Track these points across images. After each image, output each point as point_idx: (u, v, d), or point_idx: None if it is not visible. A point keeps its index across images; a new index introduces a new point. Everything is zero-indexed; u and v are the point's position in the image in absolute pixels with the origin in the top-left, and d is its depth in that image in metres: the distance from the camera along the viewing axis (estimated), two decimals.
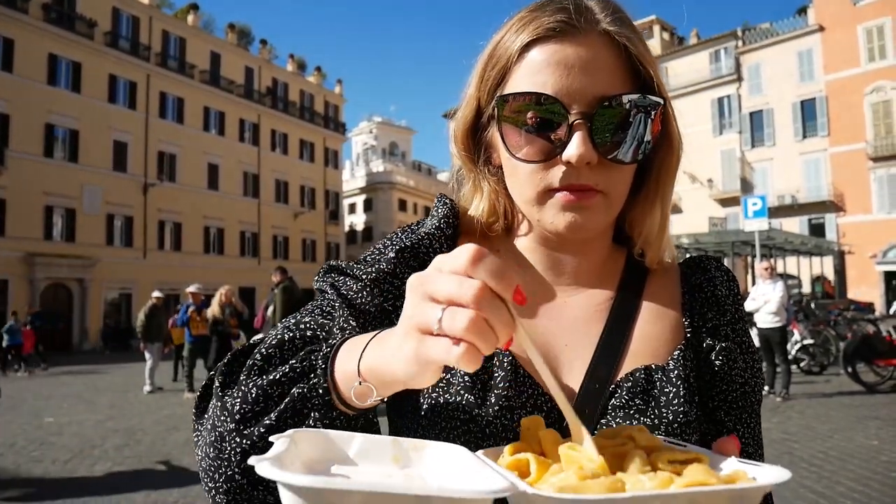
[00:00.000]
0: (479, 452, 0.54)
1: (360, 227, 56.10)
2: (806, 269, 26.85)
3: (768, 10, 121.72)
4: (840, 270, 29.45)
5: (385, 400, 0.65)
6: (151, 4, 33.85)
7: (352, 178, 59.09)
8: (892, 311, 16.87)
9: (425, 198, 57.04)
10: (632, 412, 0.71)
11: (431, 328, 0.48)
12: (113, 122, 31.04)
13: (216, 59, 37.27)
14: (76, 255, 28.81)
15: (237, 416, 0.64)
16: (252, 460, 0.46)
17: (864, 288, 29.92)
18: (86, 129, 29.72)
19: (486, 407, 0.71)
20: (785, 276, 17.94)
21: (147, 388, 12.05)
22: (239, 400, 0.64)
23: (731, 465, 0.52)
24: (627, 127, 0.70)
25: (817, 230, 33.01)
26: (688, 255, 0.89)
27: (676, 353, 0.76)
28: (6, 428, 8.49)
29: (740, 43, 37.21)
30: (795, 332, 11.53)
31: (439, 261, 0.50)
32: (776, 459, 5.78)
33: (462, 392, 0.72)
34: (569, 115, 0.69)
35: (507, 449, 0.54)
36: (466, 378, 0.73)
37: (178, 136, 34.24)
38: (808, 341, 11.75)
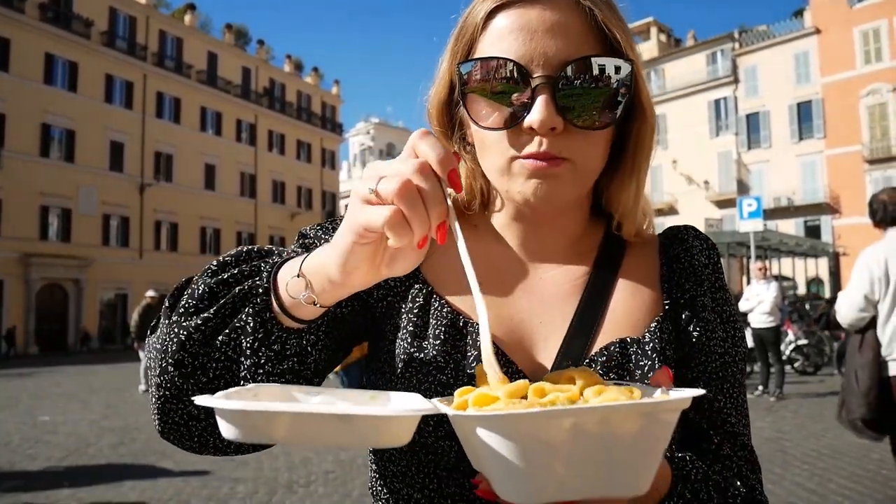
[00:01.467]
0: (435, 399, 0.56)
1: None
2: (801, 270, 26.92)
3: (765, 13, 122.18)
4: (835, 272, 29.51)
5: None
6: (148, 4, 33.83)
7: (349, 179, 59.11)
8: None
9: None
10: None
11: (369, 196, 0.54)
12: (109, 122, 31.01)
13: (213, 59, 37.27)
14: (72, 256, 28.75)
15: (181, 310, 0.67)
16: (196, 398, 0.47)
17: None
18: (82, 129, 29.67)
19: (425, 355, 0.73)
20: (780, 278, 18.00)
21: (142, 387, 12.04)
22: (186, 296, 0.69)
23: (659, 392, 0.53)
24: (594, 91, 0.68)
25: (813, 232, 33.14)
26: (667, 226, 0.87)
27: (653, 325, 0.75)
28: (1, 426, 8.48)
29: (737, 45, 37.37)
30: (790, 332, 11.55)
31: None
32: (770, 457, 5.81)
33: (407, 338, 0.74)
34: (532, 80, 0.67)
35: (458, 392, 0.57)
36: (410, 327, 0.75)
37: (174, 137, 34.21)
38: (803, 342, 11.79)
